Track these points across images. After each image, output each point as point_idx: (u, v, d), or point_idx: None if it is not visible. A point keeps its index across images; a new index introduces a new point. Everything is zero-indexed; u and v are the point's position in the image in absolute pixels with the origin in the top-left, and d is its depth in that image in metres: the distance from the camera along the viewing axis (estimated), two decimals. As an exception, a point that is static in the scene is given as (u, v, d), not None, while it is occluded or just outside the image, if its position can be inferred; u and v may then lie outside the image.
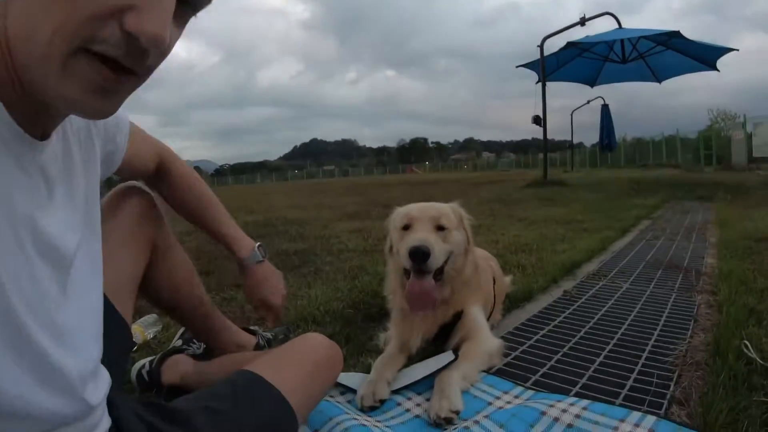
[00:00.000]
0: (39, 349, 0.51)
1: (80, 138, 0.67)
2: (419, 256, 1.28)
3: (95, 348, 0.64)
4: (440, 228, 1.38)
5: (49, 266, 0.54)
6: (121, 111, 0.81)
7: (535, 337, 1.62)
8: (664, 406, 1.12)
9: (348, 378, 1.28)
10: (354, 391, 1.23)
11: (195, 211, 1.17)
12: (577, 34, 10.29)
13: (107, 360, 0.67)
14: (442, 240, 1.36)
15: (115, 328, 0.97)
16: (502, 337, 1.54)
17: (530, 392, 1.23)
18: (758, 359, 1.25)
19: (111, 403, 0.67)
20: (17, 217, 0.49)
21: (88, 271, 0.64)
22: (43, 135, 0.56)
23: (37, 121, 0.53)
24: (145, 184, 1.13)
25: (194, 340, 1.42)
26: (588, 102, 17.07)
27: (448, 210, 1.44)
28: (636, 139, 29.68)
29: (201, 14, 0.52)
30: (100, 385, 0.64)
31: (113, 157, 0.89)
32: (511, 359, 1.45)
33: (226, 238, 1.20)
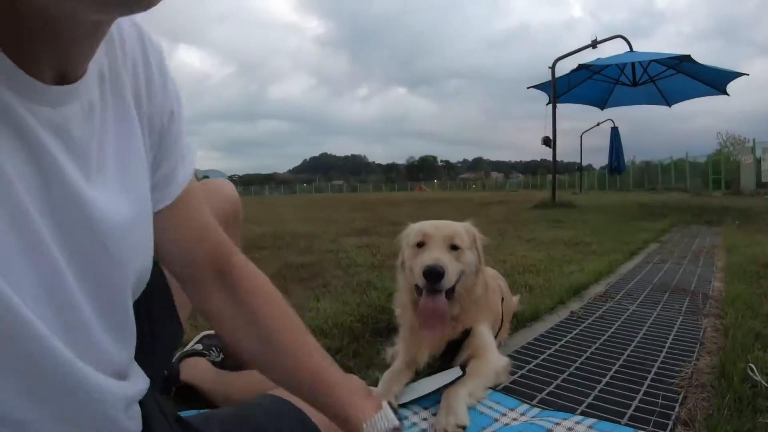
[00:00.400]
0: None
1: (137, 88, 0.50)
2: (434, 276, 1.30)
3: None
4: (454, 247, 1.40)
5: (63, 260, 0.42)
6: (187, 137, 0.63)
7: (542, 356, 1.64)
8: (669, 427, 1.13)
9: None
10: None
11: (278, 342, 0.68)
12: (589, 56, 10.40)
13: (153, 360, 0.66)
14: (455, 259, 1.38)
15: (169, 328, 0.96)
16: (509, 356, 1.56)
17: (536, 410, 1.25)
18: (763, 382, 1.26)
19: (149, 427, 0.58)
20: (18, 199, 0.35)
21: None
22: (63, 77, 0.38)
23: (40, 52, 0.34)
24: (186, 284, 0.69)
25: (213, 348, 1.45)
26: (598, 124, 17.08)
27: (461, 229, 1.46)
28: (645, 163, 29.69)
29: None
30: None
31: (168, 179, 0.60)
32: (518, 377, 1.47)
33: (333, 388, 0.67)
